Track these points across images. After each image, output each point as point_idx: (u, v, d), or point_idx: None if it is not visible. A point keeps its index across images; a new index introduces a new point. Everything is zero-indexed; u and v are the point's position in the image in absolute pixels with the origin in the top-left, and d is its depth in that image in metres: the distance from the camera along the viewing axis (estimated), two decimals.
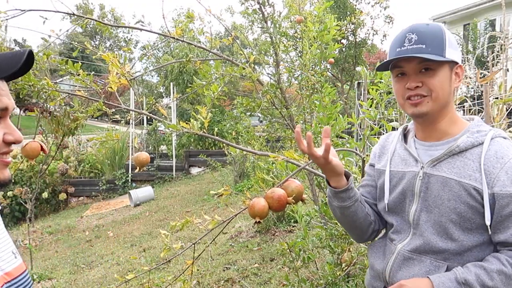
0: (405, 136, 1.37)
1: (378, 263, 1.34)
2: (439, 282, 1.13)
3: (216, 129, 10.24)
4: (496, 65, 2.90)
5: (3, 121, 0.84)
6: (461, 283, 1.12)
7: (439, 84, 1.17)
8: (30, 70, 1.34)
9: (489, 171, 1.13)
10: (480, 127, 1.21)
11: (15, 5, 1.72)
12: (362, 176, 1.84)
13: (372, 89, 2.28)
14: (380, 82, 2.28)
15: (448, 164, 1.19)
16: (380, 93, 2.28)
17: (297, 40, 3.24)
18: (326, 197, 1.41)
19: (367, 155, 1.98)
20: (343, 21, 6.81)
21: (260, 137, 5.72)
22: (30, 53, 0.83)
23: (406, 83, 1.20)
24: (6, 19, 1.69)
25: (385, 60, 1.23)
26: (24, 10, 1.73)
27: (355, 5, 12.06)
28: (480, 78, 2.57)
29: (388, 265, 1.29)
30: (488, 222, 1.13)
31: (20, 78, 1.58)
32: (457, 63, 1.20)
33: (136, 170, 1.95)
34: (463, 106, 3.53)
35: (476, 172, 1.14)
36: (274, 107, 2.96)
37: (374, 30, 12.50)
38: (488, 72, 2.73)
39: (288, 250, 2.43)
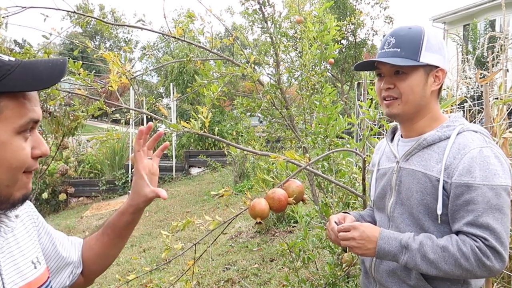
0: (395, 135, 1.43)
1: (366, 260, 1.39)
2: (385, 236, 1.19)
3: (216, 129, 10.24)
4: (496, 65, 2.90)
5: (32, 132, 0.78)
6: (403, 246, 1.16)
7: (409, 88, 1.21)
8: None
9: (451, 162, 1.16)
10: (454, 122, 1.24)
11: (16, 2, 1.72)
12: (363, 176, 1.84)
13: (372, 89, 2.28)
14: None
15: (418, 157, 1.24)
16: None
17: (297, 40, 3.24)
18: None
19: (367, 155, 1.98)
20: (343, 21, 6.82)
21: (260, 137, 5.72)
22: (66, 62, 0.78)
23: (382, 83, 1.26)
24: (7, 16, 1.69)
25: (361, 61, 1.32)
26: (24, 7, 1.72)
27: (355, 6, 12.06)
28: (480, 78, 2.57)
29: (372, 260, 1.34)
30: (439, 212, 1.16)
31: None
32: (436, 66, 1.22)
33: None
34: (463, 107, 3.54)
35: (438, 163, 1.18)
36: (274, 107, 2.96)
37: (374, 31, 12.49)
38: (488, 72, 2.73)
39: (288, 251, 2.43)
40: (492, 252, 1.08)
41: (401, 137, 1.36)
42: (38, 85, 0.74)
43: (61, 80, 0.77)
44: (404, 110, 1.24)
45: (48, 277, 0.89)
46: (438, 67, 1.23)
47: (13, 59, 0.74)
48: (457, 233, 1.15)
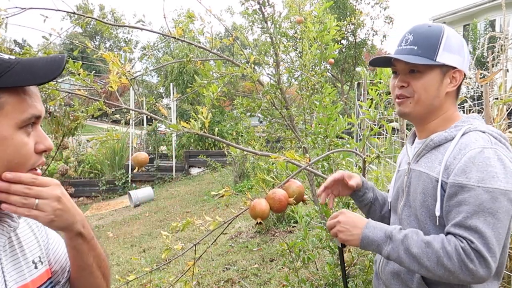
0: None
1: (376, 261, 1.39)
2: (371, 225, 1.19)
3: (216, 129, 10.24)
4: (496, 65, 2.90)
5: (35, 128, 0.79)
6: (388, 236, 1.15)
7: (422, 87, 1.18)
8: None
9: (451, 162, 1.12)
10: (463, 122, 1.19)
11: (16, 3, 1.72)
12: (362, 176, 1.84)
13: (372, 89, 2.28)
14: (380, 83, 2.27)
15: (425, 158, 1.21)
16: (380, 94, 2.28)
17: (297, 40, 3.24)
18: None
19: (367, 155, 1.98)
20: (343, 21, 6.82)
21: (260, 137, 5.71)
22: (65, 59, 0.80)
23: (396, 81, 1.24)
24: (7, 17, 1.69)
25: (377, 57, 1.29)
26: (24, 8, 1.72)
27: (355, 6, 12.06)
28: (480, 78, 2.57)
29: (381, 261, 1.34)
30: (437, 213, 1.13)
31: None
32: (454, 67, 1.19)
33: (135, 170, 1.97)
34: (463, 107, 3.54)
35: (440, 163, 1.15)
36: (274, 107, 2.96)
37: (374, 31, 12.51)
38: (488, 72, 2.73)
39: (288, 251, 2.43)
40: (477, 256, 1.03)
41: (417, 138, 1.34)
42: (36, 79, 0.76)
43: (60, 75, 0.78)
44: (415, 109, 1.21)
45: (49, 278, 0.89)
46: (456, 68, 1.19)
47: (13, 57, 0.76)
48: (447, 234, 1.11)
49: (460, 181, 1.07)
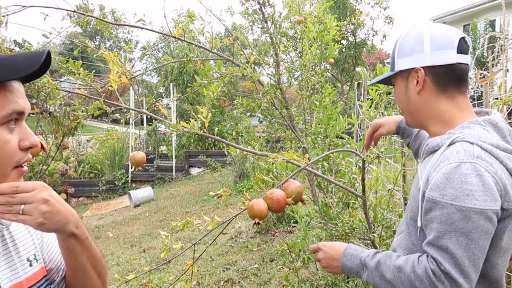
0: None
1: None
2: (348, 253, 1.22)
3: (216, 129, 10.25)
4: (496, 65, 2.89)
5: (19, 125, 0.78)
6: (363, 264, 1.18)
7: (396, 97, 1.26)
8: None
9: (430, 174, 1.07)
10: (461, 128, 1.11)
11: (16, 1, 1.71)
12: (362, 176, 1.84)
13: (372, 89, 2.28)
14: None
15: (425, 162, 1.18)
16: (380, 94, 2.29)
17: (297, 40, 3.24)
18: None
19: (367, 156, 1.98)
20: (343, 21, 6.82)
21: (260, 137, 5.71)
22: (48, 54, 0.77)
23: None
24: (7, 15, 1.69)
25: (375, 80, 1.38)
26: (25, 6, 1.72)
27: (355, 6, 12.07)
28: (480, 78, 2.57)
29: None
30: (419, 224, 1.11)
31: None
32: (413, 69, 1.15)
33: (132, 170, 1.97)
34: None
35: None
36: (274, 107, 2.96)
37: (374, 31, 12.52)
38: (488, 72, 2.73)
39: (288, 251, 2.43)
40: (447, 278, 1.00)
41: None
42: (15, 73, 0.74)
43: (42, 69, 0.76)
44: (406, 119, 1.27)
45: (44, 276, 0.89)
46: (415, 68, 1.14)
47: None
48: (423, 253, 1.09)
49: (434, 197, 1.03)
